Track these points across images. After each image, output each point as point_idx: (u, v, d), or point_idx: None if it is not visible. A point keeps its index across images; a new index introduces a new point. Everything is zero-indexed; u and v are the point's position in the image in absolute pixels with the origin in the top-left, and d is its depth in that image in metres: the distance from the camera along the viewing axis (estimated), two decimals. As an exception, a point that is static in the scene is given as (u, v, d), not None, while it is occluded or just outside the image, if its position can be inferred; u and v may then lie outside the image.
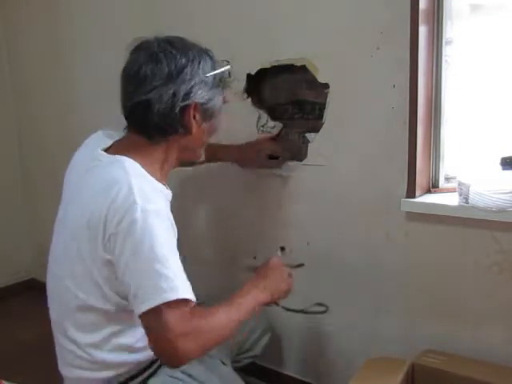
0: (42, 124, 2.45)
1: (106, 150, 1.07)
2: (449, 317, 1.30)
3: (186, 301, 0.93)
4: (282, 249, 1.33)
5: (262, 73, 1.53)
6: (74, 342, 1.05)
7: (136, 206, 0.93)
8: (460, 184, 1.20)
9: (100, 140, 1.12)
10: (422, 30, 1.23)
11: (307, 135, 1.47)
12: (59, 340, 1.09)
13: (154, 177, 1.03)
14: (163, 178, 1.09)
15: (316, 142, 1.45)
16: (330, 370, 1.55)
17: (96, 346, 1.04)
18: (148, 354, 1.06)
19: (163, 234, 0.95)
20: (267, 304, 1.12)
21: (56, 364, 1.13)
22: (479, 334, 1.26)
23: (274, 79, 1.56)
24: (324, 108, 1.42)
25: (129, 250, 0.93)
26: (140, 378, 1.10)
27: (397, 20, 1.24)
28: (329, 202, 1.46)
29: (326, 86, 1.40)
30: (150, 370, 1.11)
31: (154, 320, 0.92)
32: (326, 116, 1.42)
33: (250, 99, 1.58)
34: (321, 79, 1.41)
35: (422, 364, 1.20)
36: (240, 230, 1.69)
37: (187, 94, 1.02)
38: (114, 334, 1.05)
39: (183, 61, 1.02)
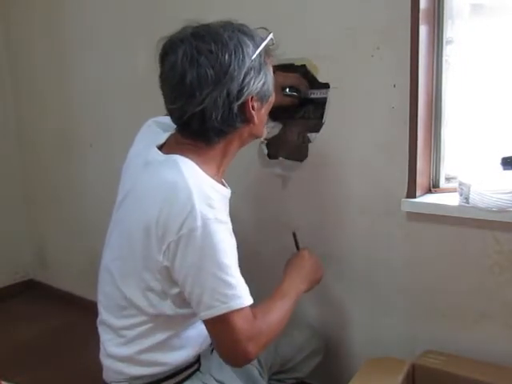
0: (42, 125, 2.44)
1: (161, 147, 1.03)
2: (449, 317, 1.30)
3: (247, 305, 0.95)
4: (294, 235, 1.29)
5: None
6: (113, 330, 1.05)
7: (196, 213, 0.90)
8: (460, 184, 1.20)
9: (154, 134, 1.09)
10: (423, 30, 1.23)
11: (307, 135, 1.47)
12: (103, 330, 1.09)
13: (211, 175, 0.99)
14: (221, 175, 1.05)
15: (316, 142, 1.45)
16: (330, 370, 1.55)
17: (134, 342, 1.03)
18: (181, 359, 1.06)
19: (224, 240, 0.94)
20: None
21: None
22: (479, 334, 1.26)
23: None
24: (324, 108, 1.42)
25: (190, 259, 0.92)
26: (172, 382, 1.07)
27: (397, 20, 1.24)
28: (329, 202, 1.46)
29: (326, 85, 1.40)
30: (182, 376, 1.08)
31: (220, 326, 0.94)
32: (326, 116, 1.42)
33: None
34: (321, 79, 1.41)
35: (422, 364, 1.20)
36: (239, 229, 1.68)
37: (241, 91, 0.94)
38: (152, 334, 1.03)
39: (226, 57, 0.92)
